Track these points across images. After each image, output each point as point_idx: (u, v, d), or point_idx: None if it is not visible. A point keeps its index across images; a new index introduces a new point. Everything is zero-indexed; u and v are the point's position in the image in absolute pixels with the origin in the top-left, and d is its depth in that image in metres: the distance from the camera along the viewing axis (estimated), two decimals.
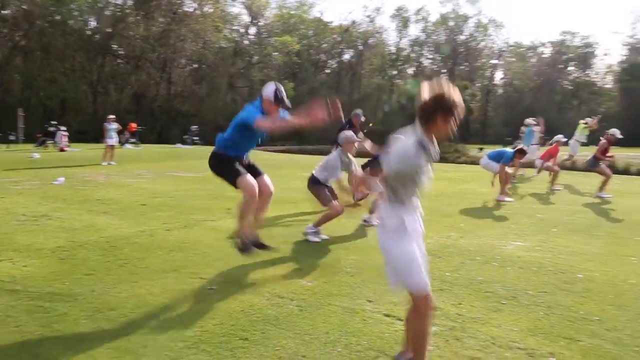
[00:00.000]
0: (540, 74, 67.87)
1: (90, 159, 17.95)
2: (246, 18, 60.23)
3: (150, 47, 46.74)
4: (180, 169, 15.78)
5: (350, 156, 6.83)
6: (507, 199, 10.17)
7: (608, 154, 11.48)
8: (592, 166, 11.69)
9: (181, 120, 47.85)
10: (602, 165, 11.45)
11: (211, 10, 51.31)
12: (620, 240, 6.90)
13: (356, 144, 6.87)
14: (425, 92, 2.76)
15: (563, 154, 15.26)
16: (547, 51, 70.38)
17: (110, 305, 3.95)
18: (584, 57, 67.63)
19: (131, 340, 3.37)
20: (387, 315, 3.86)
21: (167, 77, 50.96)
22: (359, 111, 10.67)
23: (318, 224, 6.50)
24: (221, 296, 4.22)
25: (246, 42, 59.24)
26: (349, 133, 6.94)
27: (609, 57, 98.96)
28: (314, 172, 6.89)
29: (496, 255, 5.84)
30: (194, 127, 33.66)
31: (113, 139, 17.78)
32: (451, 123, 2.75)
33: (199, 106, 49.56)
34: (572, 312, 4.11)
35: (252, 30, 61.25)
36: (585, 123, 16.43)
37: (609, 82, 67.17)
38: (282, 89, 5.08)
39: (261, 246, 5.04)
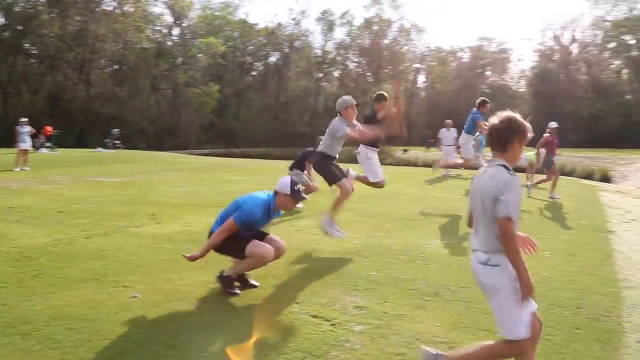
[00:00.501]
0: (460, 77, 70.65)
1: (1, 165, 16.94)
2: (169, 18, 58.92)
3: (67, 46, 44.70)
4: (101, 174, 15.20)
5: (355, 123, 6.58)
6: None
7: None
8: (548, 166, 11.62)
9: (102, 123, 46.06)
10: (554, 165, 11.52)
11: (132, 9, 49.72)
12: (534, 235, 7.25)
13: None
14: (496, 119, 2.75)
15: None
16: (466, 56, 73.40)
17: (24, 319, 3.74)
18: (500, 62, 71.05)
19: (47, 355, 3.21)
20: (314, 316, 3.88)
21: (85, 78, 48.90)
22: None
23: (331, 212, 6.47)
24: (145, 304, 4.10)
25: (169, 43, 57.94)
26: (346, 97, 6.59)
27: (522, 62, 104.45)
28: (318, 148, 6.67)
29: (420, 253, 6.01)
30: (116, 131, 32.48)
31: (26, 143, 16.92)
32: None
33: (120, 108, 47.86)
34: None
35: (176, 31, 60.00)
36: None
37: (522, 86, 70.87)
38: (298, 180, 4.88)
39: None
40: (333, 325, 3.73)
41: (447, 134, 17.09)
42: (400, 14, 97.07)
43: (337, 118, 6.46)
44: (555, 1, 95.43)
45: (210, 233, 4.48)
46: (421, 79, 75.58)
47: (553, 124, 11.78)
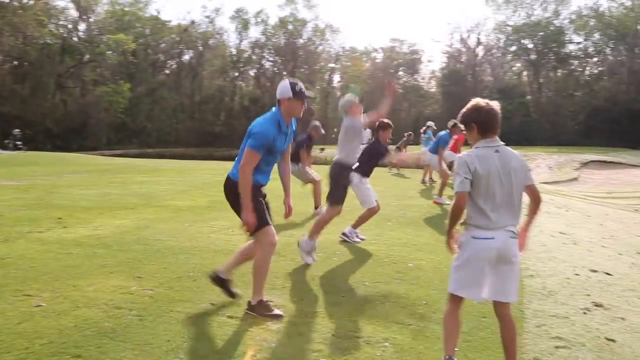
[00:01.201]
0: (374, 77, 72.31)
1: None
2: (74, 13, 56.06)
3: None
4: (1, 177, 14.23)
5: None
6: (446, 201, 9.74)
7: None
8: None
9: (1, 123, 43.16)
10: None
11: (32, 2, 46.83)
12: (440, 234, 7.59)
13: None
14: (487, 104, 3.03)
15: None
16: (379, 56, 75.23)
17: None
18: (412, 63, 73.42)
19: None
20: (231, 317, 3.85)
21: None
22: (317, 123, 10.53)
23: (357, 224, 6.62)
24: (50, 312, 3.88)
25: (75, 39, 55.12)
26: (348, 96, 6.42)
27: (432, 63, 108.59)
28: (336, 158, 6.36)
29: (336, 250, 6.11)
30: (17, 131, 30.51)
31: None
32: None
33: (22, 107, 44.99)
34: (404, 298, 4.45)
35: (82, 26, 57.19)
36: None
37: (433, 87, 73.64)
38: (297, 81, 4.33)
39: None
40: (250, 325, 3.72)
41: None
42: (314, 13, 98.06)
43: (346, 119, 6.23)
44: (462, 5, 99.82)
45: (228, 181, 4.18)
46: (336, 78, 76.67)
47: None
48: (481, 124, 2.96)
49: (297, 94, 4.05)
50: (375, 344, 3.49)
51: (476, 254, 2.93)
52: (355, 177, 6.63)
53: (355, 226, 6.72)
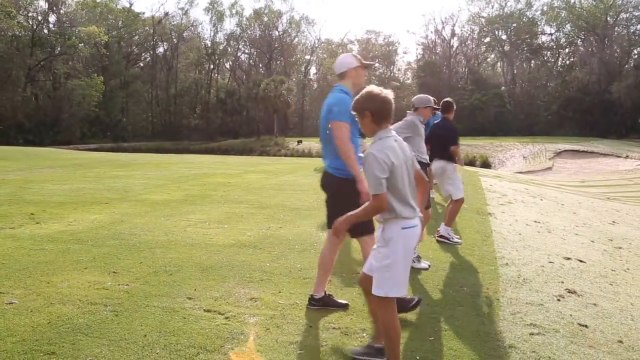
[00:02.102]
0: None
1: None
2: (43, 4, 54.94)
3: None
4: None
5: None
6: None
7: None
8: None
9: None
10: None
11: None
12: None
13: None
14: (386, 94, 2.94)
15: None
16: (355, 48, 75.22)
17: None
18: (387, 55, 73.65)
19: None
20: (208, 311, 3.82)
21: None
22: None
23: (449, 221, 6.38)
24: (23, 310, 3.81)
25: (46, 31, 54.01)
26: (428, 96, 6.15)
27: (408, 55, 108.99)
28: None
29: (314, 242, 6.10)
30: None
31: None
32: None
33: None
34: None
35: (52, 18, 56.09)
36: None
37: (409, 78, 74.02)
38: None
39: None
40: (227, 318, 3.69)
41: None
42: (289, 5, 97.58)
43: (412, 114, 5.99)
44: None
45: (331, 178, 3.87)
46: (313, 70, 76.57)
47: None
48: (376, 113, 2.87)
49: (361, 62, 3.98)
50: (353, 334, 3.50)
51: (408, 246, 2.86)
52: (449, 166, 6.47)
53: (449, 223, 6.40)
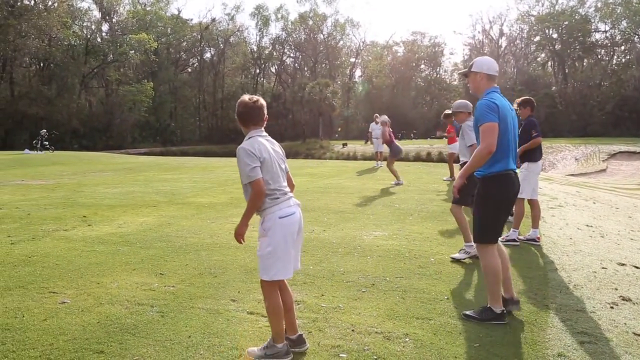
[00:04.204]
0: (395, 71, 71.89)
1: None
2: (97, 14, 56.88)
3: None
4: (28, 177, 14.52)
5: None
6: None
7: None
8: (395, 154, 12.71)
9: (29, 124, 43.98)
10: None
11: (55, 4, 47.55)
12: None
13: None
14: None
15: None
16: (400, 50, 74.72)
17: None
18: (433, 56, 72.78)
19: None
20: (251, 313, 3.85)
21: (8, 77, 46.48)
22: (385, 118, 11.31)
23: (536, 224, 6.56)
24: (74, 309, 3.94)
25: (99, 39, 55.90)
26: (458, 102, 6.38)
27: (454, 56, 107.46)
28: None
29: (357, 245, 6.08)
30: (44, 132, 31.06)
31: None
32: None
33: (48, 108, 45.81)
34: (425, 293, 4.40)
35: (105, 27, 58.02)
36: None
37: (455, 79, 72.90)
38: None
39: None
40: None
41: (376, 127, 17.49)
42: (334, 8, 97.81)
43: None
44: None
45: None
46: (358, 73, 76.44)
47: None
48: (245, 117, 3.25)
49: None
50: (395, 339, 3.46)
51: (286, 232, 3.14)
52: (538, 167, 6.73)
53: (536, 226, 6.56)
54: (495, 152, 3.71)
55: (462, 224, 5.67)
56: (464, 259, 5.50)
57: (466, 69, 4.12)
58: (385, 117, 13.06)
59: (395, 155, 12.60)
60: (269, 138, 3.33)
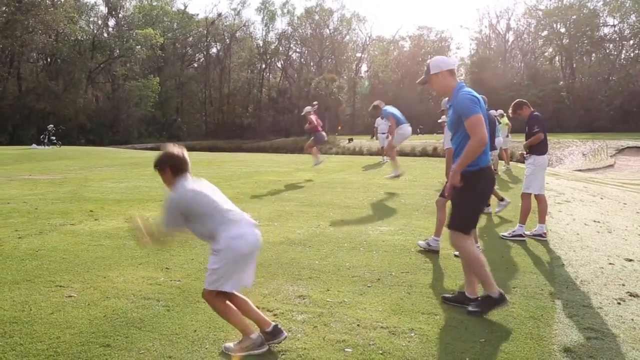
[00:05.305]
0: (402, 66, 71.66)
1: None
2: (104, 9, 57.00)
3: None
4: (36, 172, 14.58)
5: None
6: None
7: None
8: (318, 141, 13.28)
9: (36, 119, 44.19)
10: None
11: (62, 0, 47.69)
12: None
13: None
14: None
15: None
16: (406, 45, 74.48)
17: None
18: (440, 51, 72.45)
19: None
20: (257, 308, 3.85)
21: (15, 73, 46.66)
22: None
23: (543, 219, 6.57)
24: (81, 303, 3.95)
25: (105, 35, 56.02)
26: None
27: (461, 50, 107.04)
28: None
29: (363, 240, 6.07)
30: (51, 126, 31.19)
31: None
32: None
33: (55, 104, 46.01)
34: (431, 289, 4.39)
35: (111, 22, 58.13)
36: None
37: (462, 74, 72.58)
38: None
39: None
40: (275, 315, 3.72)
41: (382, 122, 17.44)
42: (340, 3, 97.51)
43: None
44: None
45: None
46: (364, 68, 76.25)
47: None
48: (174, 166, 3.33)
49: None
50: (401, 334, 3.45)
51: (238, 253, 3.16)
52: (544, 161, 6.70)
53: (542, 221, 6.58)
54: None
55: (441, 220, 5.65)
56: (426, 248, 5.63)
57: (424, 77, 4.06)
58: (308, 108, 13.39)
59: (317, 141, 13.30)
60: (191, 179, 3.42)
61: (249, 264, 3.25)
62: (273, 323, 3.26)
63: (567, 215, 8.16)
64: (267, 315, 3.71)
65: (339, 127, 61.75)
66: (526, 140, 6.65)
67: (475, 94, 3.87)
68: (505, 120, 15.61)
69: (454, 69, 3.98)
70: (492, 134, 7.93)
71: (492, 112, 15.49)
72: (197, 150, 31.94)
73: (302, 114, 13.34)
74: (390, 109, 10.46)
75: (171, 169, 3.33)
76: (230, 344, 3.23)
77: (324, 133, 13.35)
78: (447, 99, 4.58)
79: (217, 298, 3.20)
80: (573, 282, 4.69)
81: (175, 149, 3.40)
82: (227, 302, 3.22)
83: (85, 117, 48.74)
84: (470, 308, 3.88)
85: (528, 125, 6.64)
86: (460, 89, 3.88)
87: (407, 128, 10.65)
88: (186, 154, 3.43)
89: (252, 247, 3.24)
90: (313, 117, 13.02)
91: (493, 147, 8.26)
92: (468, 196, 3.86)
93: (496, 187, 9.19)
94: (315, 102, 14.31)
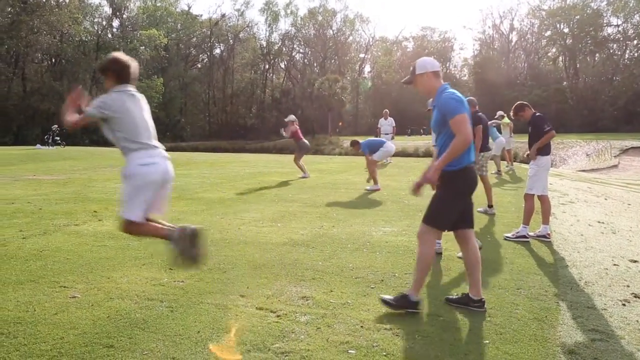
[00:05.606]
0: (405, 67, 71.52)
1: None
2: (108, 10, 57.12)
3: None
4: (40, 172, 14.62)
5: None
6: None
7: None
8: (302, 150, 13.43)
9: (41, 119, 44.31)
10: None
11: (67, 0, 47.80)
12: (481, 220, 7.48)
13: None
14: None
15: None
16: (410, 45, 74.41)
17: None
18: (443, 51, 72.40)
19: None
20: (260, 309, 3.85)
21: (20, 73, 46.80)
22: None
23: (547, 220, 6.57)
24: (84, 304, 3.96)
25: (110, 35, 56.16)
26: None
27: (464, 51, 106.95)
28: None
29: (366, 241, 6.07)
30: (55, 127, 31.24)
31: None
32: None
33: (60, 104, 45.67)
34: (435, 290, 4.39)
35: (116, 23, 58.25)
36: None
37: (465, 75, 72.56)
38: None
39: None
40: (278, 316, 3.71)
41: (385, 123, 17.44)
42: (343, 4, 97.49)
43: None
44: None
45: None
46: (367, 68, 76.22)
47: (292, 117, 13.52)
48: (117, 73, 3.61)
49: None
50: (404, 335, 3.44)
51: (147, 180, 3.55)
52: (547, 161, 6.71)
53: (546, 222, 6.58)
54: None
55: None
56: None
57: (409, 77, 4.08)
58: (292, 116, 13.54)
59: (302, 150, 13.43)
60: (137, 93, 3.72)
61: (160, 194, 3.61)
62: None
63: (571, 216, 8.13)
64: (270, 316, 3.72)
65: (340, 124, 61.75)
66: (530, 141, 6.63)
67: (459, 94, 3.88)
68: (506, 120, 15.63)
69: (438, 71, 4.00)
70: (485, 136, 7.90)
71: (496, 118, 15.53)
72: (201, 151, 32.00)
73: (286, 119, 13.43)
74: (365, 142, 10.77)
75: (114, 74, 3.62)
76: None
77: (306, 141, 13.50)
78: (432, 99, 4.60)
79: (136, 226, 3.57)
80: (577, 284, 4.67)
81: (123, 56, 3.66)
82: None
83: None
84: (385, 297, 3.94)
85: (533, 125, 6.61)
86: (444, 89, 3.90)
87: (391, 145, 10.95)
88: (134, 64, 3.73)
89: (162, 176, 3.56)
90: (294, 127, 13.18)
91: (487, 148, 8.21)
92: (447, 194, 3.88)
93: (494, 189, 9.22)
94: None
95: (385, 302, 3.89)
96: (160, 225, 3.72)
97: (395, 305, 3.84)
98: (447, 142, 3.81)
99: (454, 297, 4.11)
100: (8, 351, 3.17)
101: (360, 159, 21.46)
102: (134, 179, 3.50)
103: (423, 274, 3.90)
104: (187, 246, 3.67)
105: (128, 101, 3.61)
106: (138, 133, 3.59)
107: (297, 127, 13.29)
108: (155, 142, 3.72)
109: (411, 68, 4.07)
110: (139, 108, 3.68)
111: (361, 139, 11.30)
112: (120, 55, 3.69)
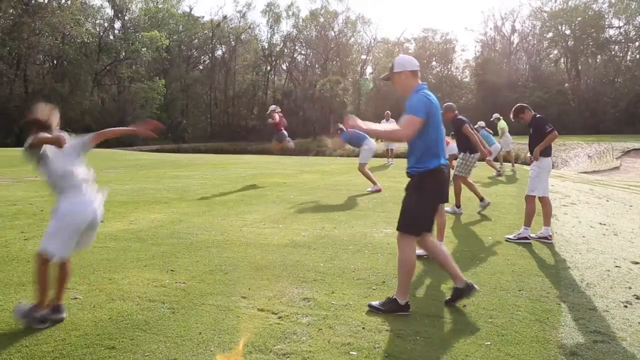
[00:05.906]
0: None
1: None
2: (110, 12, 57.18)
3: (0, 41, 42.62)
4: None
5: None
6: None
7: None
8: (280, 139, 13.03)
9: None
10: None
11: (69, 2, 47.85)
12: (474, 222, 7.48)
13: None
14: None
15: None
16: (411, 47, 74.32)
17: None
18: (445, 53, 72.33)
19: None
20: (261, 310, 3.86)
21: (22, 75, 46.84)
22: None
23: (548, 222, 6.56)
24: (86, 305, 3.97)
25: (111, 37, 56.19)
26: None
27: (466, 52, 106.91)
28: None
29: (368, 243, 6.07)
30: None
31: None
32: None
33: (61, 106, 45.97)
34: (436, 291, 4.39)
35: (117, 24, 58.28)
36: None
37: (467, 76, 72.47)
38: None
39: None
40: (280, 318, 3.72)
41: (387, 124, 17.41)
42: (345, 5, 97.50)
43: None
44: None
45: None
46: (369, 70, 76.19)
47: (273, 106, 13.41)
48: (40, 127, 3.76)
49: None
50: (406, 337, 3.44)
51: (75, 220, 3.62)
52: (548, 163, 6.71)
53: (547, 223, 6.57)
54: (431, 148, 3.81)
55: (440, 224, 5.69)
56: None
57: (387, 74, 4.08)
58: (273, 106, 13.41)
59: (279, 140, 13.12)
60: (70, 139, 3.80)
61: (83, 234, 3.64)
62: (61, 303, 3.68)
63: (573, 218, 8.12)
64: (271, 318, 3.72)
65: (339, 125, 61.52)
66: (531, 143, 6.62)
67: (433, 98, 3.86)
68: (502, 123, 15.69)
69: (417, 71, 4.00)
70: (475, 142, 7.78)
71: (491, 120, 15.61)
72: (203, 152, 32.00)
73: (268, 112, 13.36)
74: (347, 133, 10.62)
75: (37, 129, 3.71)
76: (23, 306, 3.56)
77: (285, 132, 13.20)
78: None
79: (43, 263, 3.54)
80: (579, 285, 4.67)
81: (41, 112, 3.84)
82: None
83: (91, 119, 48.79)
84: (373, 303, 3.93)
85: (534, 127, 6.61)
86: (420, 90, 3.89)
87: (371, 143, 10.90)
88: (54, 114, 3.93)
89: (86, 221, 3.60)
90: (277, 116, 12.96)
91: (474, 151, 8.14)
92: (415, 197, 3.88)
93: (479, 185, 9.24)
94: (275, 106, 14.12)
95: (373, 308, 3.88)
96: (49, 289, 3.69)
97: (384, 310, 3.84)
98: (412, 142, 3.82)
99: (450, 297, 4.11)
100: (10, 352, 3.18)
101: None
102: (61, 219, 3.66)
103: (407, 278, 3.88)
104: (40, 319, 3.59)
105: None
106: (67, 173, 3.85)
107: (279, 117, 13.05)
108: (89, 181, 3.92)
109: (390, 65, 4.07)
110: (63, 152, 3.84)
111: None
112: (38, 112, 3.92)
